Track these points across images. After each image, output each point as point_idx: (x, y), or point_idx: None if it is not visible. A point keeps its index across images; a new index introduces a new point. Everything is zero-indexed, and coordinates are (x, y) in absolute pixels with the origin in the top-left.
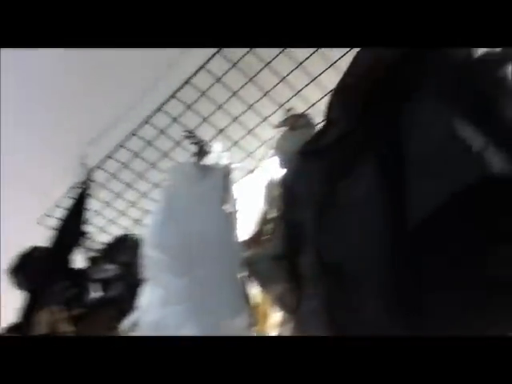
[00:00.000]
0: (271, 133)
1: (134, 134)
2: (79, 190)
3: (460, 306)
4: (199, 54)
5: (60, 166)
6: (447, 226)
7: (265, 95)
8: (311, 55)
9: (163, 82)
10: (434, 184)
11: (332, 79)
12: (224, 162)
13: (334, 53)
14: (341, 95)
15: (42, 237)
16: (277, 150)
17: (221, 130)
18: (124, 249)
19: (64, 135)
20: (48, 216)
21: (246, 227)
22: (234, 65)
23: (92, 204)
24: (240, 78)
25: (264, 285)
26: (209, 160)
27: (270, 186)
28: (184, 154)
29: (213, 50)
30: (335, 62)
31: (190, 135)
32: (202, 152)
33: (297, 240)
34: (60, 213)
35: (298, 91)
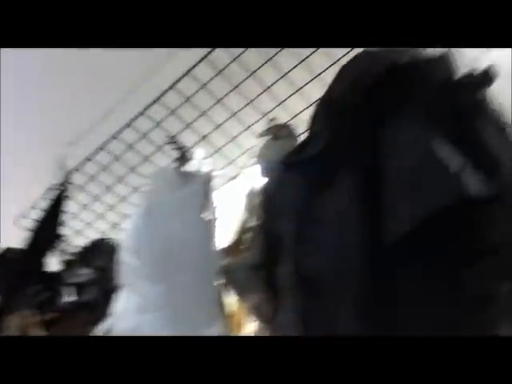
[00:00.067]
0: (254, 141)
1: (114, 138)
2: (57, 192)
3: (433, 321)
4: (185, 60)
5: (38, 166)
6: (423, 244)
7: (249, 104)
8: (295, 66)
9: (148, 85)
10: (412, 203)
11: (316, 90)
12: (205, 168)
13: (319, 63)
14: (325, 108)
15: (17, 238)
16: (259, 158)
17: (203, 137)
18: (100, 253)
19: (43, 135)
20: (24, 217)
21: (225, 235)
22: (220, 72)
23: (69, 206)
24: (225, 85)
25: (241, 294)
26: (190, 166)
27: (251, 194)
28: (165, 159)
29: (199, 56)
30: (320, 74)
31: (173, 141)
32: (183, 158)
33: (275, 250)
34: (36, 214)
35: (282, 101)
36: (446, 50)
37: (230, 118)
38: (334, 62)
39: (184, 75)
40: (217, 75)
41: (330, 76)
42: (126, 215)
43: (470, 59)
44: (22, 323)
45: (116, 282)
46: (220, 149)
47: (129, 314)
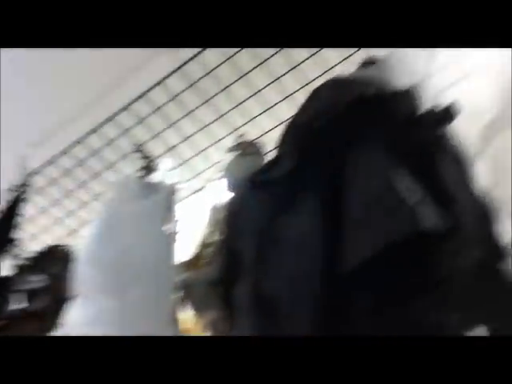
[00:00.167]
0: (221, 155)
1: (79, 142)
2: (14, 194)
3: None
4: (157, 70)
5: None
6: (378, 273)
7: (219, 118)
8: (268, 85)
9: (118, 92)
10: (370, 233)
11: (287, 110)
12: (170, 180)
13: (291, 82)
14: (294, 130)
15: None
16: (226, 173)
17: (171, 148)
18: (55, 260)
19: (5, 134)
20: None
21: (186, 248)
22: (192, 85)
23: (26, 209)
24: (197, 98)
25: (198, 309)
26: (155, 177)
27: (215, 208)
28: (130, 167)
29: (172, 68)
30: (291, 94)
31: (139, 149)
32: (149, 168)
33: (235, 268)
34: None
35: (253, 118)
36: (411, 85)
37: (199, 130)
38: (307, 84)
39: (155, 85)
40: (189, 87)
41: (301, 96)
42: (85, 222)
43: (434, 94)
44: None
45: (70, 292)
46: (187, 160)
47: (79, 326)
